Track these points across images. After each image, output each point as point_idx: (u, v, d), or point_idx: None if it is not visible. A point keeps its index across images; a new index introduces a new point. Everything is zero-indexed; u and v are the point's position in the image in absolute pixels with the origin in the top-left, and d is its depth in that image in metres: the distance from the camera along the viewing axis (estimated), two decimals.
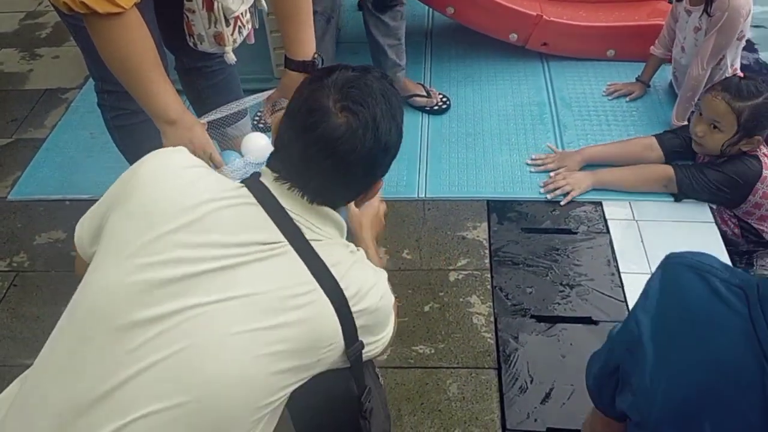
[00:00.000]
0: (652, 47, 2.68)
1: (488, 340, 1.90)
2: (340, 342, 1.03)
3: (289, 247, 1.01)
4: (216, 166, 1.57)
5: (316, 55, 1.69)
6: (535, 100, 2.73)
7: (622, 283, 2.03)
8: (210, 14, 1.67)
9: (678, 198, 2.25)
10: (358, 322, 1.04)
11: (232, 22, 1.71)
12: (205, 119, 1.65)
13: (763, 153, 2.19)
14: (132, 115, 1.78)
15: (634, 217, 2.24)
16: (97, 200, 1.09)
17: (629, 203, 2.28)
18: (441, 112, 2.67)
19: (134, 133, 1.82)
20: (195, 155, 1.25)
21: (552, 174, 2.34)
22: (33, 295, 2.11)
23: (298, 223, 1.04)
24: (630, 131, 2.56)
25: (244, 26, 1.75)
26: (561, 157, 2.39)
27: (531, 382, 1.79)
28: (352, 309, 1.03)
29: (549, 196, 2.29)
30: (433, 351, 1.88)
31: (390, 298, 1.16)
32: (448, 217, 2.27)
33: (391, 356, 1.87)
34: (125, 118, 1.82)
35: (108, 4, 1.35)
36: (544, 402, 1.74)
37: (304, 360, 1.00)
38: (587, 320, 1.94)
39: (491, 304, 1.99)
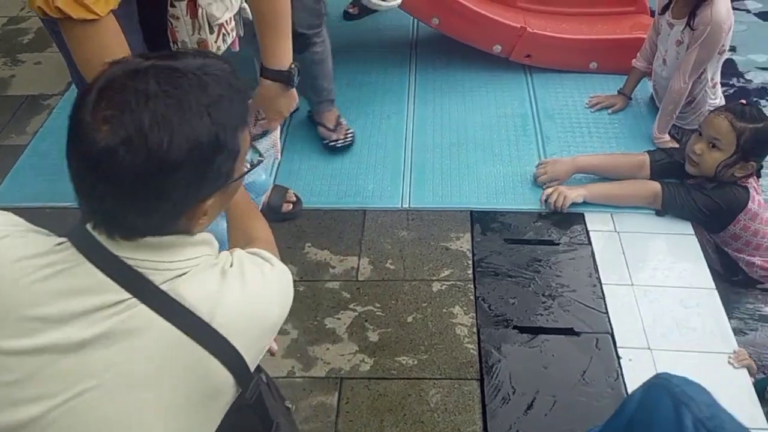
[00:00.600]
0: (633, 60, 2.71)
1: (471, 351, 1.91)
2: (232, 390, 0.90)
3: (137, 303, 0.84)
4: None
5: (292, 66, 1.69)
6: (518, 111, 2.75)
7: (603, 295, 2.04)
8: (194, 21, 1.66)
9: (660, 213, 2.27)
10: (248, 356, 0.89)
11: (216, 29, 1.70)
12: None
13: (753, 186, 2.21)
14: None
15: (615, 228, 2.26)
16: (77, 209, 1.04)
17: (611, 215, 2.30)
18: (344, 149, 2.55)
19: None
20: None
21: (545, 188, 2.34)
22: None
23: (140, 270, 0.85)
24: (612, 143, 2.59)
25: (228, 34, 1.75)
26: (552, 163, 2.39)
27: (513, 393, 1.80)
28: (235, 345, 0.87)
29: (550, 209, 2.29)
30: (416, 362, 1.89)
31: (269, 280, 0.96)
32: (432, 227, 2.28)
33: (373, 367, 1.87)
34: None
35: (83, 11, 1.33)
36: (527, 413, 1.75)
37: (202, 412, 0.88)
38: (569, 331, 1.95)
39: (474, 314, 2.00)
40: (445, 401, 1.79)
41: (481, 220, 2.30)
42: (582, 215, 2.30)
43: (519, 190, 2.39)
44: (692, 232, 2.24)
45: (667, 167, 2.35)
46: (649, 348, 1.91)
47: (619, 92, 2.76)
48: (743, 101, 2.26)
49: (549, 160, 2.44)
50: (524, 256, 2.17)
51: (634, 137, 2.61)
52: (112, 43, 1.41)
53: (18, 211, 2.26)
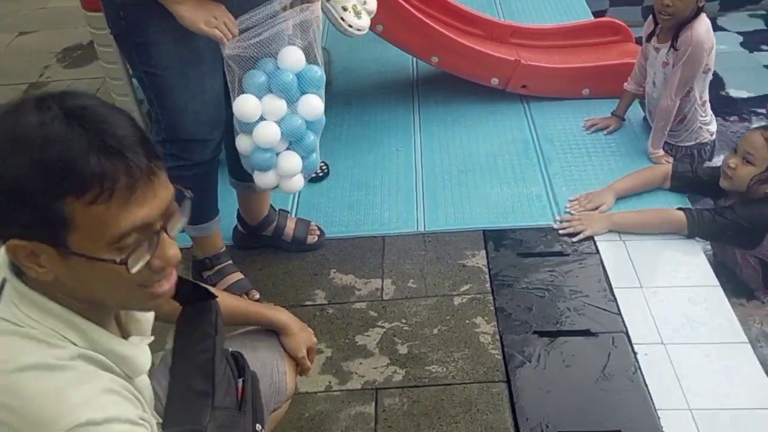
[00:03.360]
0: (625, 83, 2.89)
1: (496, 356, 2.03)
2: None
3: None
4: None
5: None
6: (519, 137, 2.92)
7: (615, 298, 2.17)
8: None
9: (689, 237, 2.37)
10: None
11: None
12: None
13: None
14: (193, 166, 1.97)
15: (620, 237, 2.40)
16: None
17: None
18: (318, 179, 2.71)
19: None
20: (219, 23, 1.62)
21: (569, 214, 2.47)
22: None
23: None
24: (610, 162, 2.75)
25: None
26: (586, 217, 2.43)
27: (539, 391, 1.91)
28: None
29: (562, 232, 2.41)
30: (445, 369, 2.00)
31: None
32: (448, 247, 2.42)
33: (405, 377, 1.99)
34: (186, 169, 1.96)
35: None
36: (554, 408, 1.86)
37: None
38: (587, 333, 2.07)
39: (495, 323, 2.12)
40: (476, 403, 1.90)
41: (494, 238, 2.44)
42: None
43: (526, 209, 2.54)
44: None
45: (690, 182, 2.53)
46: (662, 343, 2.03)
47: (612, 114, 2.94)
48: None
49: (576, 217, 2.45)
50: (537, 268, 2.31)
51: (630, 155, 2.77)
52: None
53: None
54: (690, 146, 2.76)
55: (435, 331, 2.12)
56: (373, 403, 1.93)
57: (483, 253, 2.38)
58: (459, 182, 2.69)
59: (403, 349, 2.07)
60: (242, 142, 1.92)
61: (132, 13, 1.76)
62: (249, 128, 1.88)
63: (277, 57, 1.83)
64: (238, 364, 1.27)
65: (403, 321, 2.17)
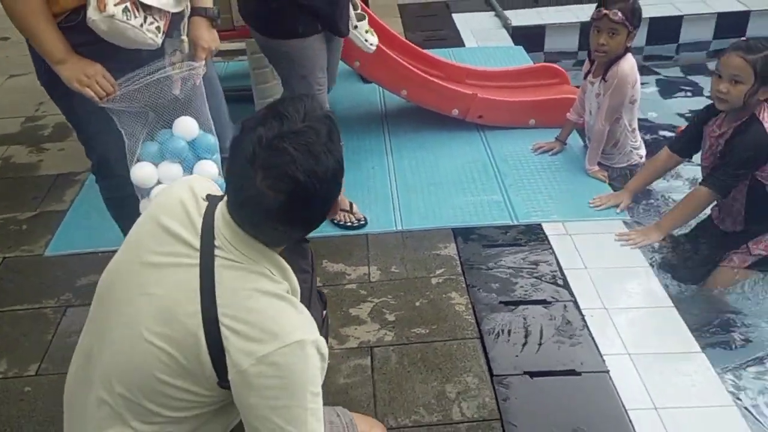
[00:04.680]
0: (567, 114, 3.40)
1: (469, 320, 2.41)
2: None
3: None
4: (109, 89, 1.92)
5: (214, 7, 2.11)
6: (477, 158, 3.38)
7: (564, 276, 2.60)
8: None
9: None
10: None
11: None
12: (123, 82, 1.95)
13: (765, 119, 2.54)
14: (126, 197, 2.15)
15: (567, 232, 2.85)
16: None
17: (562, 224, 2.90)
18: (354, 229, 2.91)
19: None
20: (91, 82, 1.86)
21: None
22: (82, 323, 2.48)
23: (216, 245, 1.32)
24: (555, 176, 3.22)
25: (135, 12, 1.88)
26: (642, 231, 2.79)
27: (508, 342, 2.30)
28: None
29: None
30: (428, 331, 2.38)
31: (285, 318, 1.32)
32: (423, 241, 2.82)
33: (394, 338, 2.35)
34: (119, 200, 2.24)
35: None
36: (521, 352, 2.25)
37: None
38: (543, 302, 2.49)
39: (468, 296, 2.52)
40: (455, 353, 2.27)
41: (462, 234, 2.86)
42: (540, 225, 2.89)
43: (488, 212, 2.98)
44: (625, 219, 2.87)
45: (687, 140, 2.85)
46: (605, 308, 2.46)
47: (556, 139, 3.43)
48: (744, 38, 2.70)
49: (636, 232, 2.80)
50: (499, 256, 2.73)
51: (570, 171, 3.25)
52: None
53: (71, 257, 2.91)
54: (623, 167, 3.26)
55: (417, 303, 2.50)
56: (369, 357, 2.28)
57: (453, 245, 2.79)
58: (429, 192, 3.12)
59: (391, 317, 2.44)
60: (143, 207, 2.05)
61: (49, 70, 1.98)
62: (147, 193, 2.04)
63: (172, 126, 2.01)
64: (322, 298, 1.67)
65: (390, 297, 2.54)
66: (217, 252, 1.32)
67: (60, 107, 2.18)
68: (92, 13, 1.86)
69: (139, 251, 1.41)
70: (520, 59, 4.40)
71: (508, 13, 5.11)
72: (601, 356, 2.25)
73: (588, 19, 3.09)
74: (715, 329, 2.58)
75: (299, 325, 1.31)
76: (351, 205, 2.95)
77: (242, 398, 1.30)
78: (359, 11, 2.88)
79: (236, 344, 1.27)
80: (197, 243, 1.34)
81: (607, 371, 2.19)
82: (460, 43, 4.72)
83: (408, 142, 3.53)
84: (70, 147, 3.67)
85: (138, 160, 2.00)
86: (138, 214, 1.56)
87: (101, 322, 1.44)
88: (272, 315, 1.29)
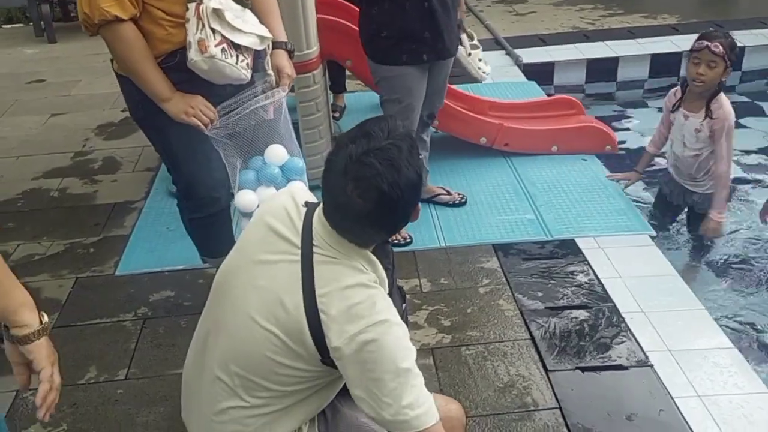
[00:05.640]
0: (646, 146, 3.55)
1: (519, 323, 2.63)
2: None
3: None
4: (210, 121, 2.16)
5: (289, 41, 2.37)
6: (507, 181, 3.64)
7: (601, 283, 2.83)
8: (198, 21, 2.08)
9: None
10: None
11: (218, 38, 2.09)
12: (222, 114, 2.19)
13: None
14: (208, 216, 2.46)
15: (599, 246, 3.09)
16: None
17: (594, 238, 3.14)
18: (461, 205, 3.41)
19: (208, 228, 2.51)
20: (196, 113, 2.10)
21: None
22: (163, 333, 2.69)
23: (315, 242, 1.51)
24: (582, 196, 3.46)
25: (230, 51, 2.12)
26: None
27: (557, 341, 2.52)
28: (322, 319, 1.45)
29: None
30: (482, 334, 2.59)
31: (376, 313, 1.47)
32: (467, 256, 3.05)
33: (452, 340, 2.57)
34: (203, 219, 2.50)
35: (118, 8, 2.02)
36: (570, 350, 2.47)
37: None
38: (585, 306, 2.71)
39: (515, 303, 2.74)
40: (510, 352, 2.49)
41: (501, 249, 3.09)
42: (573, 240, 3.13)
43: (524, 229, 3.22)
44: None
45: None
46: (642, 311, 2.68)
47: (633, 170, 3.58)
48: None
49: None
50: (539, 267, 2.96)
51: (595, 190, 3.51)
52: (133, 38, 2.09)
53: (140, 276, 3.18)
54: (709, 193, 3.26)
55: (469, 310, 2.72)
56: (431, 357, 2.49)
57: (495, 259, 3.03)
58: (467, 211, 3.37)
59: (446, 323, 2.66)
60: (243, 224, 2.24)
61: (147, 104, 2.23)
62: (250, 215, 2.22)
63: (264, 154, 2.25)
64: (402, 292, 1.89)
65: (442, 305, 2.76)
66: (315, 249, 1.53)
67: (152, 138, 2.43)
68: (194, 55, 2.09)
69: (249, 249, 1.64)
70: (535, 93, 4.70)
71: (517, 51, 5.43)
72: (644, 353, 2.47)
73: (594, 56, 3.35)
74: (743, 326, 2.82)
75: (384, 309, 1.51)
76: None
77: (344, 371, 1.51)
78: (475, 42, 3.17)
79: (332, 326, 1.46)
80: (298, 241, 1.56)
81: (651, 365, 2.41)
82: (476, 79, 5.00)
83: (441, 168, 3.77)
84: (121, 179, 3.90)
85: (239, 188, 2.23)
86: (218, 234, 1.77)
87: (217, 313, 1.65)
88: (361, 300, 1.48)
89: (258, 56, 2.29)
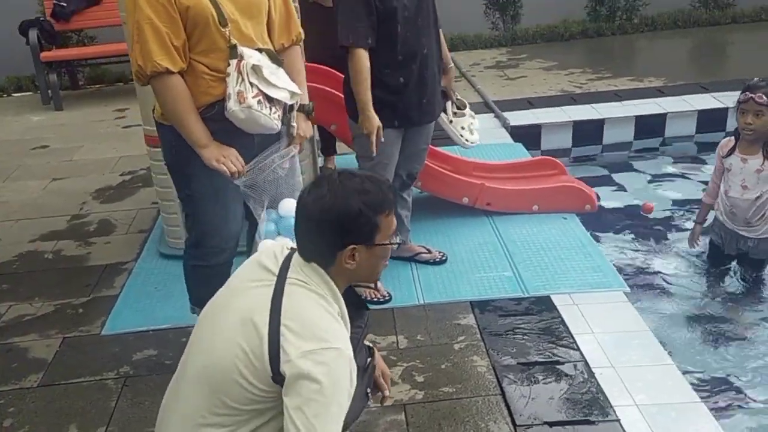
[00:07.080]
0: (703, 197, 3.64)
1: (491, 379, 2.68)
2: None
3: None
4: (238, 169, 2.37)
5: (310, 102, 2.62)
6: (488, 240, 3.73)
7: (574, 339, 2.89)
8: (238, 75, 2.31)
9: None
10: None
11: (255, 91, 2.30)
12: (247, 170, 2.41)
13: None
14: (214, 266, 2.60)
15: (574, 302, 3.16)
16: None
17: (569, 295, 3.20)
18: (441, 263, 3.51)
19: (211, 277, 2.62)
20: (226, 161, 2.32)
21: None
22: (143, 391, 2.75)
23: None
24: (560, 254, 3.55)
25: (265, 103, 2.33)
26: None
27: (527, 397, 2.57)
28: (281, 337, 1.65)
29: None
30: (455, 389, 2.64)
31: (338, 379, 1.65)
32: (444, 313, 3.12)
33: (425, 396, 2.61)
34: (208, 268, 2.63)
35: (169, 62, 2.26)
36: (540, 405, 2.51)
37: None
38: (556, 362, 2.76)
39: (488, 359, 2.80)
40: (481, 408, 2.53)
41: (478, 306, 3.16)
42: (549, 296, 3.20)
43: (501, 286, 3.30)
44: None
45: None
46: (612, 366, 2.73)
47: (695, 223, 3.68)
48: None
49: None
50: (513, 324, 3.02)
51: (572, 248, 3.60)
52: (181, 89, 2.31)
53: (126, 335, 3.31)
54: (765, 238, 3.38)
55: (442, 366, 2.78)
56: (403, 413, 2.54)
57: (471, 315, 3.09)
58: (447, 269, 3.45)
59: (420, 378, 2.71)
60: None
61: (181, 151, 2.43)
62: None
63: (278, 207, 2.47)
64: (371, 351, 2.07)
65: (417, 361, 2.82)
66: (289, 275, 1.76)
67: (179, 184, 2.59)
68: (233, 105, 2.30)
69: (234, 282, 1.89)
70: (521, 154, 4.84)
71: (506, 114, 5.60)
72: (612, 407, 2.51)
73: (579, 118, 3.49)
74: (711, 381, 2.86)
75: (342, 338, 1.71)
76: (376, 282, 3.27)
77: (286, 388, 1.65)
78: (466, 110, 3.43)
79: (289, 339, 1.65)
80: (277, 270, 1.80)
81: (618, 420, 2.45)
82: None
83: (423, 227, 3.86)
84: (114, 240, 4.03)
85: (260, 238, 2.41)
86: (216, 286, 1.94)
87: (195, 337, 1.87)
88: (322, 324, 1.70)
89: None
